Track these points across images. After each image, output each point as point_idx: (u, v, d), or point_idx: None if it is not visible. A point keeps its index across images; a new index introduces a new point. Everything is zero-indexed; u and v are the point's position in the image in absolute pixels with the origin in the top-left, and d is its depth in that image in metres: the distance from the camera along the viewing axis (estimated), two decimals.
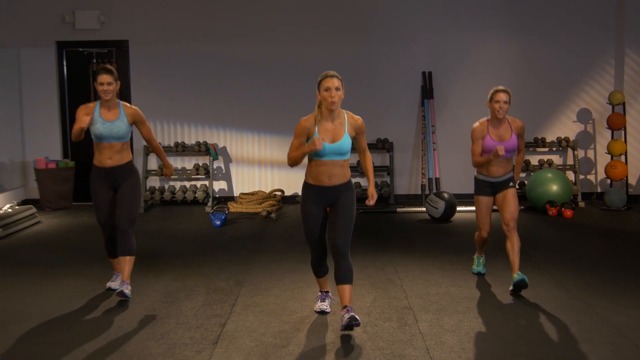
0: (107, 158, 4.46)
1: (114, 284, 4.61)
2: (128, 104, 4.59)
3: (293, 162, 3.79)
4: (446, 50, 8.61)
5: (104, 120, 4.42)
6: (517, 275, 4.32)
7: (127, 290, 4.26)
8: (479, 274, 4.88)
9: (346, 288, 3.71)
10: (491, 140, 4.53)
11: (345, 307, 3.66)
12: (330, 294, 4.13)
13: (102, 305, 4.24)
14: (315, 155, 3.76)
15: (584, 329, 3.72)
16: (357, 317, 3.56)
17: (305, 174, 3.89)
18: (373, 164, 8.35)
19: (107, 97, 4.40)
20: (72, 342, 3.56)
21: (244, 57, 8.53)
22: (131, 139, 4.70)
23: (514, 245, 4.47)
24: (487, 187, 4.65)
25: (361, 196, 8.37)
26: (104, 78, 4.37)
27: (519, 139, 4.63)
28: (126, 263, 4.40)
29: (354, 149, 3.92)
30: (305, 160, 3.86)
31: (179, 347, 3.48)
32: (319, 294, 4.12)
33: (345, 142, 3.75)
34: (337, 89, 3.68)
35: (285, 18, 8.54)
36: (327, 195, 3.81)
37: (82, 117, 4.35)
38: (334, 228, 3.75)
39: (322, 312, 4.01)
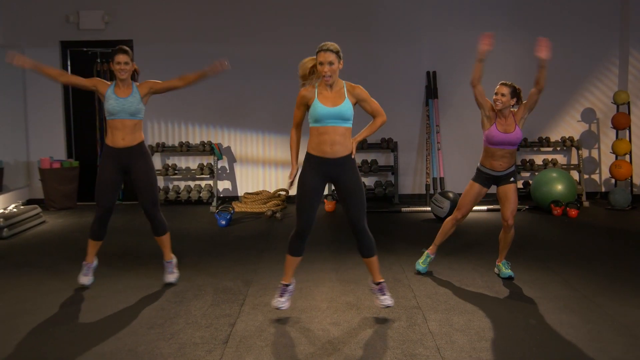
0: (120, 138, 4.52)
1: (86, 279, 4.61)
2: (140, 83, 4.65)
3: (292, 143, 3.92)
4: (451, 49, 8.60)
5: (117, 96, 4.50)
6: (506, 268, 4.75)
7: (173, 277, 4.70)
8: (418, 272, 4.85)
9: (372, 261, 3.92)
10: (497, 131, 4.64)
11: (377, 283, 3.94)
12: (291, 286, 3.99)
13: (110, 305, 4.23)
14: (315, 121, 3.74)
15: (594, 328, 3.72)
16: (389, 301, 3.89)
17: (307, 146, 3.85)
18: (377, 163, 8.41)
19: (123, 76, 4.50)
20: (82, 343, 3.56)
21: (248, 56, 8.53)
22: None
23: (507, 238, 4.73)
24: (486, 179, 4.75)
25: (366, 195, 8.37)
26: (121, 57, 4.50)
27: (531, 99, 4.74)
28: (164, 241, 4.73)
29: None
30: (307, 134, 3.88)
31: (190, 346, 3.48)
32: (280, 285, 3.97)
33: (346, 106, 3.72)
34: (331, 63, 3.68)
35: (289, 17, 8.54)
36: (330, 169, 3.77)
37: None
38: (348, 208, 3.81)
39: (278, 309, 3.93)
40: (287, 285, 3.97)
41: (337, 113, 3.71)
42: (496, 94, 4.63)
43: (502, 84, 4.67)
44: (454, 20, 8.58)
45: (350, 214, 3.82)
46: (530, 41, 8.58)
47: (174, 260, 4.79)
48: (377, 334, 3.66)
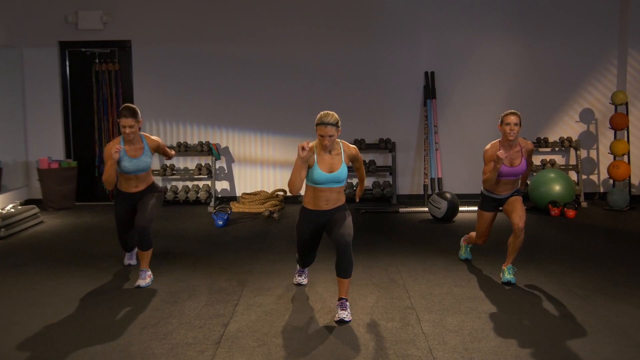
0: (133, 186, 4.83)
1: (132, 261, 5.20)
2: (149, 136, 4.84)
3: (291, 183, 3.90)
4: (449, 50, 8.60)
5: (130, 158, 4.69)
6: (509, 273, 4.66)
7: (144, 282, 4.65)
8: (466, 260, 5.27)
9: (344, 282, 3.95)
10: (503, 166, 4.63)
11: (340, 299, 3.93)
12: (307, 270, 4.66)
13: (105, 305, 4.24)
14: (313, 183, 4.03)
15: (587, 329, 3.71)
16: (346, 317, 3.86)
17: (303, 199, 4.16)
18: (375, 163, 8.41)
19: (130, 137, 4.66)
20: (76, 343, 3.57)
21: (246, 57, 8.54)
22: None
23: (516, 243, 4.69)
24: (492, 203, 4.82)
25: (364, 196, 8.38)
26: (127, 122, 4.60)
27: (527, 160, 4.76)
28: (144, 256, 4.77)
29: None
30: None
31: (182, 347, 3.48)
32: (297, 268, 4.66)
33: (343, 171, 4.02)
34: (331, 136, 3.91)
35: (288, 18, 8.54)
36: (323, 218, 4.09)
37: (112, 154, 4.58)
38: (335, 231, 3.95)
39: (299, 284, 4.60)
40: (303, 270, 4.65)
41: (334, 178, 4.00)
42: (508, 124, 4.59)
43: (512, 113, 4.63)
44: (453, 21, 8.58)
45: (336, 231, 3.93)
46: (529, 41, 8.62)
47: (149, 272, 4.78)
48: (370, 334, 3.66)
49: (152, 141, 4.84)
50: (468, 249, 5.31)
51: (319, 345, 3.49)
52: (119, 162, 4.67)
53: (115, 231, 5.05)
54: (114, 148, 4.57)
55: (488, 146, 4.69)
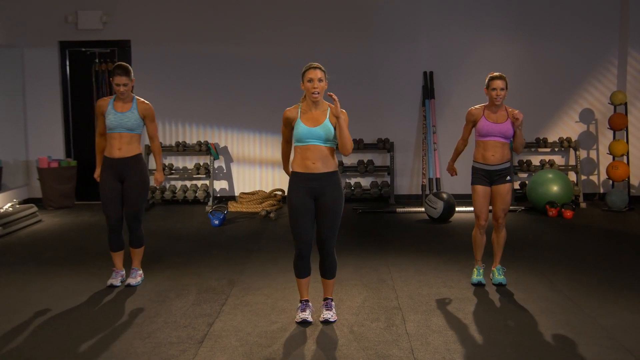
0: (116, 149, 4.62)
1: (115, 281, 4.69)
2: (142, 99, 4.74)
3: (282, 153, 4.06)
4: (448, 50, 8.58)
5: (116, 111, 4.62)
6: (499, 275, 4.62)
7: (134, 281, 4.68)
8: (479, 283, 4.61)
9: (329, 283, 3.95)
10: (486, 122, 4.52)
11: (325, 299, 3.95)
12: (310, 303, 3.95)
13: (94, 303, 4.27)
14: (298, 141, 3.78)
15: (572, 330, 3.70)
16: (331, 317, 3.87)
17: (292, 165, 3.89)
18: (373, 163, 8.38)
19: (123, 95, 4.62)
20: (59, 341, 3.59)
21: (245, 56, 8.55)
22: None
23: (499, 239, 4.64)
24: (484, 176, 4.58)
25: (362, 196, 8.38)
26: (121, 79, 4.57)
27: (514, 124, 4.52)
28: (136, 254, 4.77)
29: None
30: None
31: (165, 346, 3.50)
32: (299, 303, 3.96)
33: (326, 126, 3.75)
34: (320, 80, 3.74)
35: (287, 18, 8.54)
36: (313, 185, 3.75)
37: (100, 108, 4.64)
38: (321, 227, 3.82)
39: (304, 322, 3.83)
40: (306, 301, 3.95)
41: (317, 132, 3.73)
42: (494, 88, 4.45)
43: (498, 77, 4.47)
44: (452, 20, 8.55)
45: (322, 232, 3.82)
46: (528, 41, 8.58)
47: (140, 270, 4.80)
48: (354, 334, 3.66)
49: (143, 104, 4.69)
50: (481, 271, 4.69)
51: (301, 345, 3.50)
52: (106, 118, 4.61)
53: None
54: (100, 105, 4.65)
55: (473, 107, 4.60)
